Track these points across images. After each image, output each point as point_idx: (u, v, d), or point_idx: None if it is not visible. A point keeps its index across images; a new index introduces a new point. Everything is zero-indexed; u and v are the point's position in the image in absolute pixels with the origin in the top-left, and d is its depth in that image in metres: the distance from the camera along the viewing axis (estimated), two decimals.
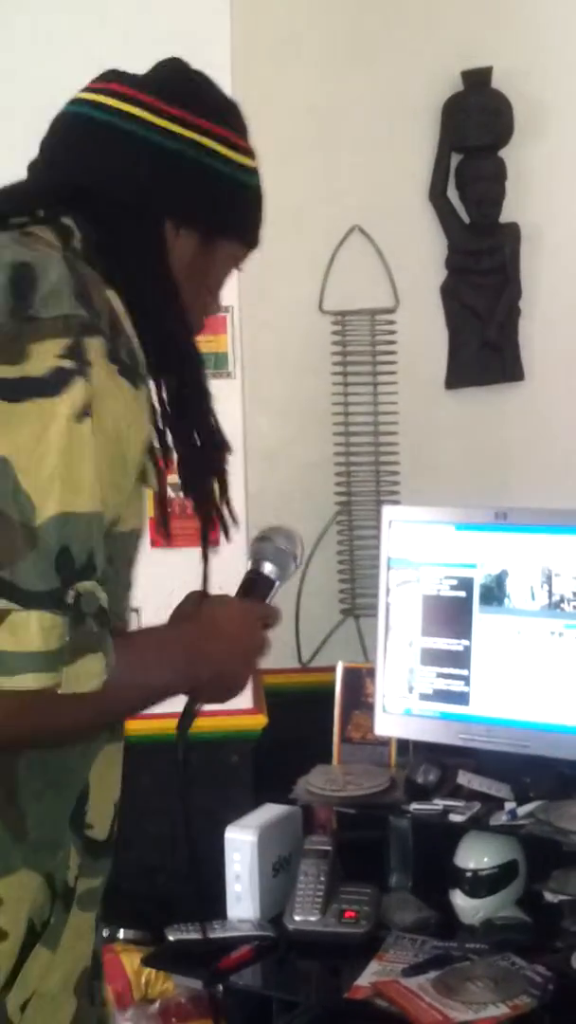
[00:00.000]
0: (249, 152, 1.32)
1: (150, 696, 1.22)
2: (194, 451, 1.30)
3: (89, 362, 1.09)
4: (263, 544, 1.42)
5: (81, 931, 1.22)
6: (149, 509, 1.28)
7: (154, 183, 1.25)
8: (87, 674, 1.06)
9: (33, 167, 1.29)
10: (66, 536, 1.05)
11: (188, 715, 1.33)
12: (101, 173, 1.24)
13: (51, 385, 1.06)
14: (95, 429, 1.08)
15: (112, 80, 1.27)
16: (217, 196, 1.29)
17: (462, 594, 2.40)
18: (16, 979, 1.14)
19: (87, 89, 1.28)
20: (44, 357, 1.07)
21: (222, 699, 1.32)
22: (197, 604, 1.33)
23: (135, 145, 1.24)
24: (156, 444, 1.25)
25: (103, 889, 1.28)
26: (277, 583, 1.40)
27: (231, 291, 2.61)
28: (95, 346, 1.09)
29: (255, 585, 1.39)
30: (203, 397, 1.33)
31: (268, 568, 1.40)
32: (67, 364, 1.07)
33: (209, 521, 1.35)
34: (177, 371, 1.29)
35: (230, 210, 1.31)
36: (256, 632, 1.33)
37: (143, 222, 1.25)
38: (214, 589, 1.39)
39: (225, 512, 1.36)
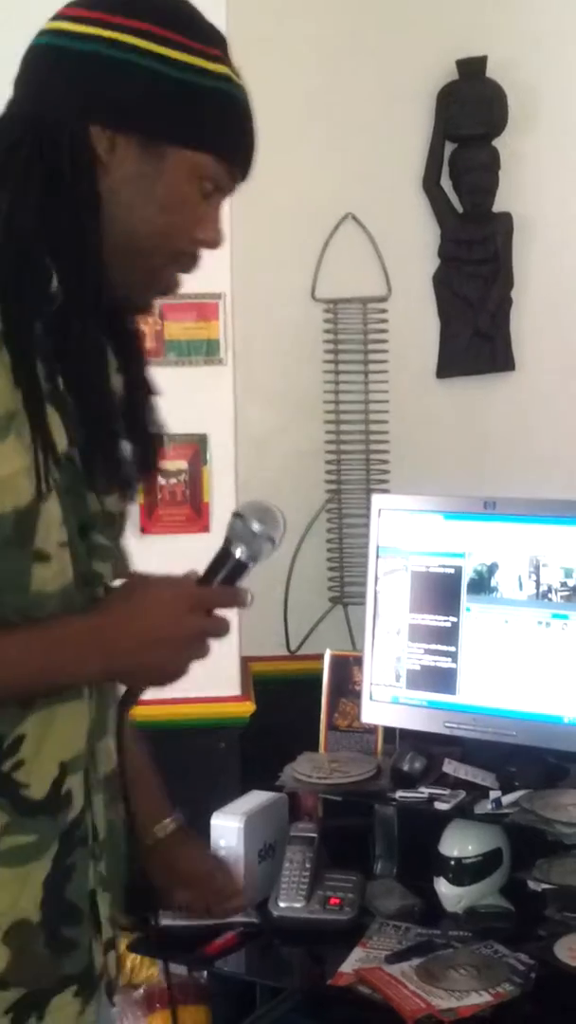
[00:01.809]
0: (199, 53, 1.22)
1: (25, 683, 1.21)
2: (87, 403, 1.23)
3: None
4: (237, 523, 1.33)
5: (5, 886, 1.22)
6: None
7: (69, 89, 1.19)
8: None
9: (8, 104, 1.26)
10: None
11: (127, 697, 1.33)
12: (29, 96, 1.22)
13: None
14: None
15: (62, 8, 1.25)
16: (147, 96, 1.20)
17: (450, 583, 2.41)
18: None
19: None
20: None
21: (156, 684, 1.29)
22: (126, 588, 1.29)
23: (54, 58, 1.21)
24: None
25: (66, 839, 1.27)
26: (249, 565, 1.32)
27: (223, 277, 2.62)
28: None
29: (221, 565, 1.32)
30: (100, 334, 1.25)
31: (239, 550, 1.31)
32: None
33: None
34: (78, 307, 1.21)
35: (167, 112, 1.21)
36: (188, 618, 1.27)
37: (60, 131, 1.19)
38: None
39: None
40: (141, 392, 1.34)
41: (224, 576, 1.32)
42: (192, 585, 1.30)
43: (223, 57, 1.25)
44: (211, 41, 1.24)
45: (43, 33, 1.24)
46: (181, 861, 1.57)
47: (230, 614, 1.32)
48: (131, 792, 1.36)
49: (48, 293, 1.20)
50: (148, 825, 1.54)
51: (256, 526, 1.32)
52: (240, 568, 1.32)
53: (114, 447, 1.28)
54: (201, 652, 1.28)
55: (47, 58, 1.22)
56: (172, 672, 1.28)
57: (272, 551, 1.34)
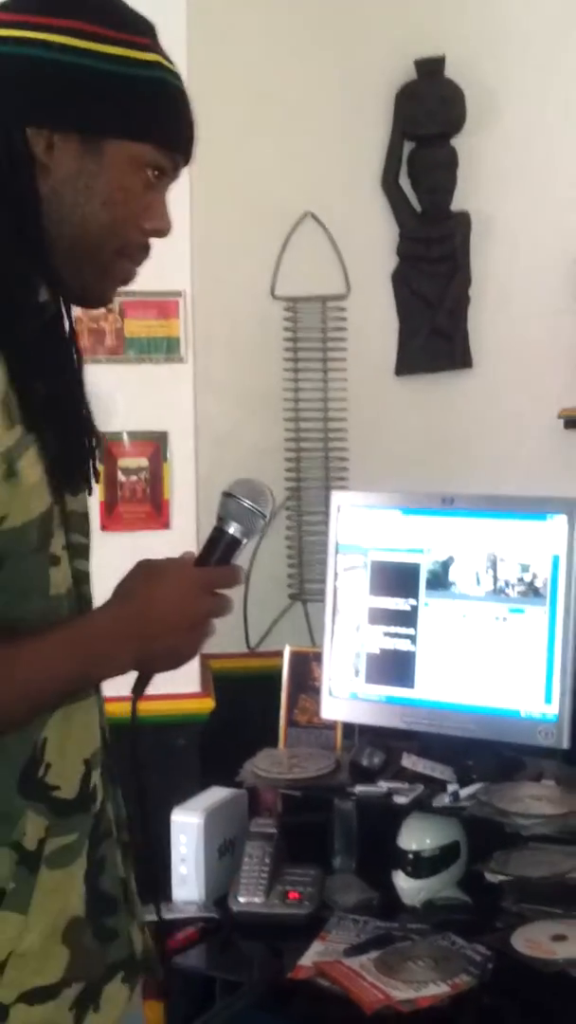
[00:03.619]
0: (126, 43, 1.21)
1: (65, 688, 1.23)
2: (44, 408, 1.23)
3: None
4: (227, 501, 1.35)
5: (58, 889, 1.24)
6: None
7: (2, 93, 1.19)
8: None
9: None
10: None
11: (140, 683, 1.34)
12: None
13: None
14: None
15: None
16: (75, 91, 1.20)
17: (409, 578, 2.42)
18: None
19: None
20: None
21: (172, 668, 1.31)
22: (138, 578, 1.30)
23: None
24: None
25: (95, 832, 1.29)
26: (243, 542, 1.35)
27: (183, 275, 2.63)
28: None
29: (217, 544, 1.34)
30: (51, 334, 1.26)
31: (233, 527, 1.34)
32: None
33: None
34: (23, 332, 1.20)
35: (98, 104, 1.20)
36: (200, 599, 1.30)
37: None
38: None
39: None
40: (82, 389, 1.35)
41: (220, 555, 1.34)
42: (195, 567, 1.33)
43: (152, 45, 1.25)
44: (138, 30, 1.24)
45: None
46: None
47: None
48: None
49: (38, 304, 1.22)
50: None
51: (247, 502, 1.34)
52: (235, 545, 1.34)
53: (88, 447, 1.31)
54: (210, 632, 1.31)
55: None
56: (189, 654, 1.31)
57: (264, 527, 1.38)
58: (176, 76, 1.27)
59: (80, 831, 1.27)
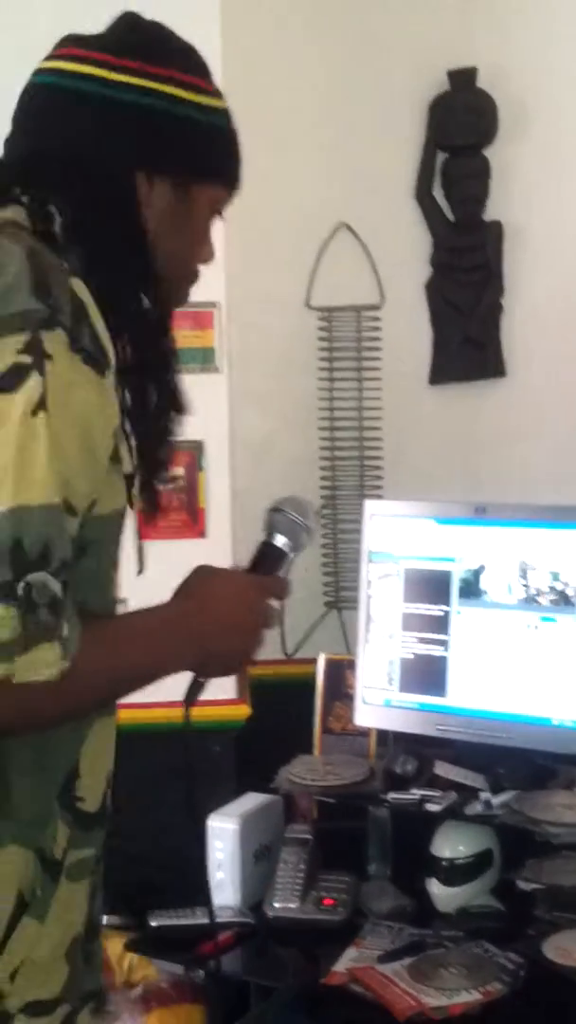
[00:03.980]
0: (212, 93, 1.32)
1: (135, 680, 1.24)
2: (146, 416, 1.30)
3: (49, 355, 1.11)
4: (275, 515, 1.41)
5: (71, 901, 1.25)
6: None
7: (112, 138, 1.26)
8: (41, 663, 1.08)
9: (7, 141, 1.31)
10: (19, 529, 1.07)
11: (194, 688, 1.37)
12: (62, 137, 1.26)
13: (8, 381, 1.09)
14: (56, 420, 1.10)
15: (67, 44, 1.29)
16: (181, 142, 1.29)
17: (441, 587, 2.44)
18: (3, 950, 1.19)
19: (47, 57, 1.30)
20: (1, 355, 1.10)
21: (228, 673, 1.36)
22: (198, 578, 1.33)
23: (90, 104, 1.26)
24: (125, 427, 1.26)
25: (98, 857, 1.31)
26: (290, 555, 1.40)
27: (218, 286, 2.66)
28: (55, 338, 1.12)
29: (266, 557, 1.39)
30: (162, 354, 1.33)
31: (280, 540, 1.39)
32: (24, 359, 1.10)
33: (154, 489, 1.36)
34: (136, 331, 1.28)
35: (197, 153, 1.31)
36: (258, 605, 1.33)
37: (107, 178, 1.26)
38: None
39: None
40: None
41: (269, 567, 1.39)
42: (253, 575, 1.37)
43: (217, 88, 1.34)
44: (208, 74, 1.33)
45: (63, 74, 1.27)
46: None
47: None
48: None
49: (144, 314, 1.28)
50: None
51: (294, 516, 1.40)
52: (282, 558, 1.40)
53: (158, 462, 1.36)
54: (263, 639, 1.35)
55: (76, 102, 1.26)
56: (248, 657, 1.35)
57: (309, 541, 1.43)
58: (231, 115, 1.36)
59: (95, 847, 1.29)
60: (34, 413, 1.09)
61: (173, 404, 1.34)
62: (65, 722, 1.20)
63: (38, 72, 1.29)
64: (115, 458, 1.19)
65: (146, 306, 1.28)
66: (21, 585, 1.07)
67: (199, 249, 1.37)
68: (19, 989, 1.21)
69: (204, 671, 1.35)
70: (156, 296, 1.30)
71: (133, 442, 1.29)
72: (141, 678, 1.25)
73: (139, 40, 1.29)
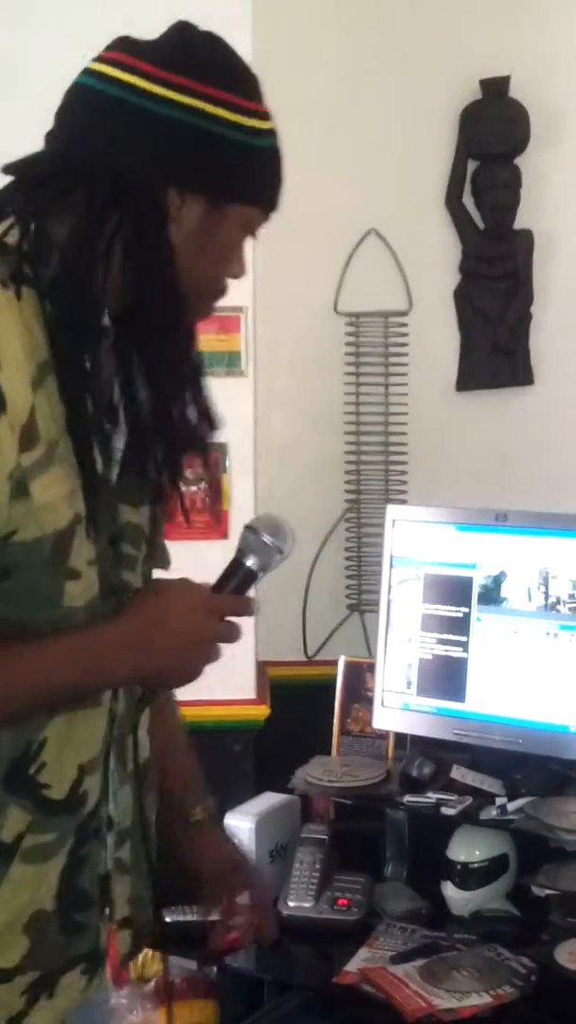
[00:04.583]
0: (257, 114, 1.31)
1: (53, 695, 1.28)
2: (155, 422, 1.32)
3: None
4: (248, 535, 1.41)
5: (25, 882, 1.30)
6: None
7: (148, 151, 1.27)
8: None
9: (48, 137, 1.33)
10: None
11: (143, 699, 1.40)
12: (100, 144, 1.27)
13: None
14: None
15: (117, 49, 1.30)
16: (218, 161, 1.29)
17: (461, 593, 2.46)
18: None
19: (95, 59, 1.31)
20: None
21: (176, 686, 1.39)
22: (149, 594, 1.35)
23: (130, 114, 1.26)
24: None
25: (80, 832, 1.34)
26: (259, 575, 1.41)
27: (245, 291, 2.68)
28: None
29: (234, 576, 1.40)
30: (180, 358, 1.35)
31: (250, 560, 1.40)
32: None
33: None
34: (156, 337, 1.29)
35: (234, 175, 1.31)
36: (207, 623, 1.34)
37: (139, 191, 1.27)
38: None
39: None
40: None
41: (236, 585, 1.40)
42: (208, 592, 1.38)
43: (266, 109, 1.33)
44: (258, 95, 1.33)
45: (107, 79, 1.28)
46: (205, 849, 1.64)
47: (244, 621, 1.39)
48: (154, 780, 1.47)
49: (101, 327, 1.28)
50: (178, 809, 1.61)
51: (267, 538, 1.40)
52: (251, 577, 1.40)
53: (157, 461, 1.37)
54: (215, 655, 1.36)
55: (119, 110, 1.27)
56: (192, 673, 1.35)
57: (280, 562, 1.43)
58: (277, 135, 1.35)
59: (61, 831, 1.32)
60: None
61: (191, 415, 1.37)
62: None
63: (85, 72, 1.30)
64: (23, 493, 1.21)
65: (106, 324, 1.28)
66: None
67: (227, 265, 1.37)
68: None
69: (150, 682, 1.37)
70: (178, 308, 1.32)
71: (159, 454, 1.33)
72: (59, 693, 1.28)
73: (189, 56, 1.28)
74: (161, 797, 1.54)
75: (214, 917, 1.71)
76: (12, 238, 1.24)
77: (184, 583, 1.36)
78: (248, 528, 1.42)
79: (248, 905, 1.68)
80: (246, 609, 1.39)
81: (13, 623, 1.23)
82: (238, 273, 1.39)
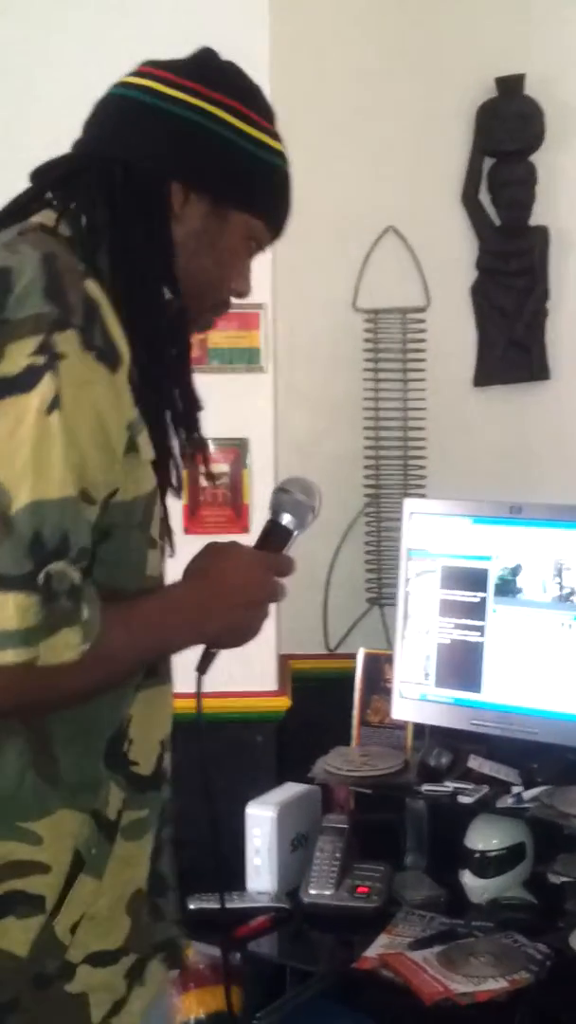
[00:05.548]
0: (268, 131, 1.38)
1: (154, 654, 1.33)
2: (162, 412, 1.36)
3: (61, 355, 1.17)
4: (282, 495, 1.46)
5: (129, 859, 1.34)
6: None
7: (160, 146, 1.33)
8: (64, 646, 1.16)
9: (75, 145, 1.39)
10: (38, 522, 1.15)
11: (206, 659, 1.44)
12: (114, 139, 1.34)
13: (23, 382, 1.16)
14: (70, 417, 1.17)
15: (143, 64, 1.38)
16: (223, 163, 1.35)
17: (477, 585, 2.49)
18: (62, 906, 1.27)
19: (125, 75, 1.39)
20: (17, 357, 1.16)
21: (237, 645, 1.42)
22: (208, 556, 1.40)
23: (143, 112, 1.34)
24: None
25: (161, 817, 1.39)
26: (295, 533, 1.45)
27: (264, 288, 2.72)
28: (67, 338, 1.18)
29: (273, 535, 1.45)
30: (172, 352, 1.38)
31: (286, 519, 1.45)
32: (38, 361, 1.16)
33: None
34: (151, 331, 1.32)
35: (237, 179, 1.36)
36: (266, 581, 1.39)
37: (147, 182, 1.32)
38: None
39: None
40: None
41: (275, 545, 1.45)
42: (260, 551, 1.44)
43: (279, 134, 1.41)
44: (272, 118, 1.40)
45: (129, 86, 1.36)
46: None
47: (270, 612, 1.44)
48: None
49: (164, 301, 1.33)
50: None
51: (300, 496, 1.46)
52: (287, 536, 1.45)
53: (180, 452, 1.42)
54: (267, 614, 1.41)
55: (140, 112, 1.35)
56: (254, 631, 1.41)
57: (312, 520, 1.48)
58: (289, 163, 1.42)
59: (151, 808, 1.37)
60: (48, 412, 1.16)
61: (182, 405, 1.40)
62: (94, 697, 1.27)
63: (115, 85, 1.39)
64: (132, 448, 1.26)
65: (168, 299, 1.33)
66: (42, 575, 1.15)
67: (229, 276, 1.40)
68: (80, 941, 1.29)
69: (216, 643, 1.42)
70: (177, 307, 1.36)
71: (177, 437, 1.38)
72: (158, 652, 1.34)
73: (205, 69, 1.37)
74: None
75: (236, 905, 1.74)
76: (64, 228, 1.29)
77: (236, 545, 1.42)
78: (279, 490, 1.48)
79: None
80: (290, 567, 1.44)
81: (106, 591, 1.25)
82: (243, 289, 1.43)
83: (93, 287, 1.23)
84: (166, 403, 1.36)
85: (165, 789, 1.40)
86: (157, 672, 1.37)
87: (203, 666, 1.44)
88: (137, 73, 1.37)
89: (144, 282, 1.30)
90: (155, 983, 1.40)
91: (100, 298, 1.23)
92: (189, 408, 1.41)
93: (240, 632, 1.40)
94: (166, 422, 1.36)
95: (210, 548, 1.42)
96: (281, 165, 1.40)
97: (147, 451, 1.28)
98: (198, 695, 1.44)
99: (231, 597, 1.37)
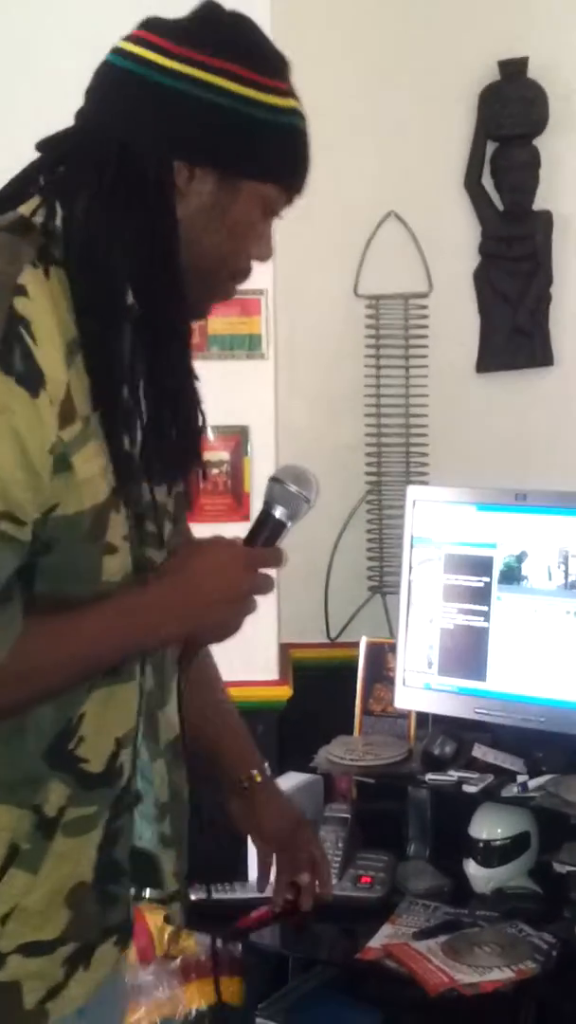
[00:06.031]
0: (277, 91, 1.29)
1: (103, 660, 1.31)
2: (161, 408, 1.32)
3: None
4: (275, 486, 1.43)
5: (67, 854, 1.32)
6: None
7: (156, 123, 1.27)
8: None
9: (77, 115, 1.34)
10: None
11: (185, 656, 1.43)
12: (114, 117, 1.29)
13: None
14: None
15: (143, 27, 1.32)
16: (227, 135, 1.28)
17: (481, 573, 2.47)
18: None
19: (124, 37, 1.32)
20: None
21: (218, 640, 1.41)
22: (183, 555, 1.38)
23: (142, 88, 1.27)
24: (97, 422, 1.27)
25: (116, 805, 1.37)
26: (288, 525, 1.42)
27: (266, 275, 2.69)
28: None
29: (264, 527, 1.42)
30: (178, 340, 1.34)
31: (279, 511, 1.42)
32: None
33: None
34: (157, 317, 1.29)
35: (245, 150, 1.29)
36: (244, 577, 1.36)
37: (140, 160, 1.27)
38: None
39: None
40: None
41: (266, 537, 1.42)
42: (241, 546, 1.41)
43: (290, 88, 1.33)
44: (280, 74, 1.32)
45: (126, 56, 1.29)
46: (265, 811, 1.68)
47: (268, 603, 1.41)
48: (205, 748, 1.52)
49: (126, 305, 1.29)
50: (235, 772, 1.65)
51: (293, 487, 1.42)
52: (280, 528, 1.42)
53: (179, 443, 1.37)
54: (252, 608, 1.38)
55: (133, 85, 1.28)
56: (233, 627, 1.38)
57: (307, 511, 1.45)
58: (303, 117, 1.35)
59: (100, 804, 1.35)
60: None
61: (181, 404, 1.36)
62: (26, 709, 1.27)
63: (112, 50, 1.32)
64: (65, 468, 1.23)
65: (130, 303, 1.28)
66: None
67: (246, 244, 1.35)
68: (11, 932, 1.29)
69: (195, 639, 1.41)
70: (183, 286, 1.31)
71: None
72: (107, 658, 1.31)
73: (210, 33, 1.29)
74: (215, 762, 1.60)
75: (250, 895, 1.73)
76: (39, 217, 1.25)
77: (218, 540, 1.39)
78: (273, 479, 1.44)
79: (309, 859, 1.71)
80: (278, 560, 1.42)
81: (54, 599, 1.24)
82: (263, 255, 1.38)
83: (24, 303, 1.19)
84: (134, 408, 1.31)
85: (122, 782, 1.38)
86: (118, 672, 1.35)
87: (184, 659, 1.43)
88: (133, 39, 1.30)
89: (102, 286, 1.26)
90: (105, 965, 1.40)
91: (33, 314, 1.19)
92: (189, 409, 1.37)
93: (216, 629, 1.39)
94: (130, 428, 1.31)
95: (189, 544, 1.41)
96: (291, 123, 1.32)
97: (86, 468, 1.25)
98: (180, 690, 1.43)
99: (207, 594, 1.35)
